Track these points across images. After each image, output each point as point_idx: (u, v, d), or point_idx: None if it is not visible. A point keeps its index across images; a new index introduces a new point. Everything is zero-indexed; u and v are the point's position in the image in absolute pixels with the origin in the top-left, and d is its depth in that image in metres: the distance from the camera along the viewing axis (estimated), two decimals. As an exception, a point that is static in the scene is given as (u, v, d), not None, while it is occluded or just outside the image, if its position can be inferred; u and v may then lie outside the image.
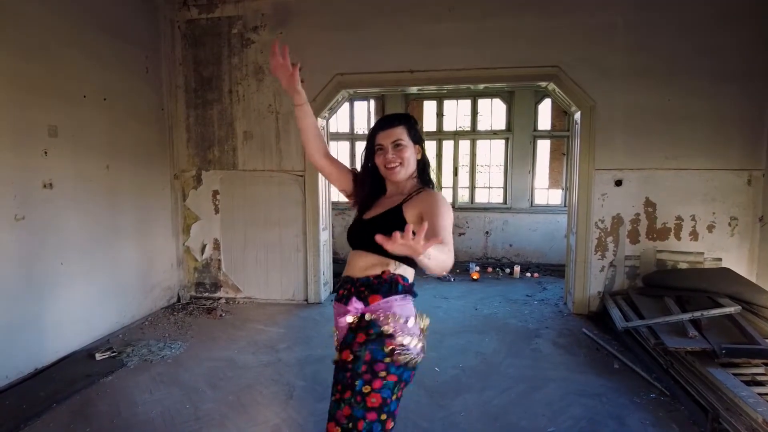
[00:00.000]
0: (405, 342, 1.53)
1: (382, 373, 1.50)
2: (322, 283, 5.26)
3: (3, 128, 3.25)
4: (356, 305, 1.57)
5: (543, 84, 4.82)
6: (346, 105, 7.68)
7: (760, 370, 2.88)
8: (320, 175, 5.03)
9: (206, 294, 5.39)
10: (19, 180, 3.38)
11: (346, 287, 1.65)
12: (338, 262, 5.85)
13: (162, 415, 2.99)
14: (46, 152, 3.58)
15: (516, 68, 4.65)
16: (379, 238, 1.10)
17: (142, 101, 4.72)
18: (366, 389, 1.48)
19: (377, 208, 1.72)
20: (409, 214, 1.58)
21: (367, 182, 1.76)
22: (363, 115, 8.08)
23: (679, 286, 4.06)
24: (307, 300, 5.21)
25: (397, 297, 1.57)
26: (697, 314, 3.41)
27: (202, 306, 5.14)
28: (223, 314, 4.89)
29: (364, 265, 1.63)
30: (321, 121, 5.08)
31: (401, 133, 1.68)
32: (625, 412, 2.98)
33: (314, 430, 2.80)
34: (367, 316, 1.56)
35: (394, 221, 1.56)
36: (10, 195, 3.30)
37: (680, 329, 3.40)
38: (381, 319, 1.54)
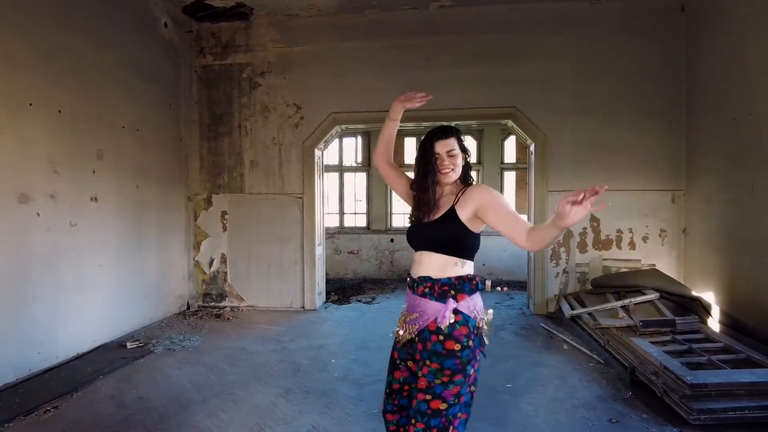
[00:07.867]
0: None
1: (479, 356, 1.83)
2: (316, 292, 5.96)
3: (66, 151, 4.02)
4: (452, 305, 1.77)
5: (503, 121, 5.77)
6: (336, 141, 8.58)
7: (668, 337, 3.69)
8: (316, 196, 5.87)
9: (212, 303, 6.04)
10: (75, 193, 4.12)
11: (426, 285, 1.82)
12: (328, 282, 6.55)
13: (192, 383, 3.65)
14: (94, 171, 4.34)
15: (481, 108, 5.61)
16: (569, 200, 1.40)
17: (165, 133, 5.52)
18: (471, 371, 1.78)
19: (435, 211, 1.90)
20: (462, 211, 1.81)
21: (432, 189, 1.90)
22: (351, 149, 8.99)
23: (618, 284, 4.90)
24: (303, 307, 5.90)
25: (475, 295, 1.85)
26: (626, 302, 4.27)
27: (210, 312, 5.79)
28: (231, 318, 5.55)
29: (438, 264, 1.83)
30: (317, 152, 5.93)
31: (453, 143, 1.89)
32: (568, 374, 3.75)
33: (319, 390, 3.46)
34: (466, 312, 1.78)
35: (450, 221, 1.82)
36: (68, 205, 4.03)
37: (614, 314, 4.24)
38: (477, 316, 1.81)
